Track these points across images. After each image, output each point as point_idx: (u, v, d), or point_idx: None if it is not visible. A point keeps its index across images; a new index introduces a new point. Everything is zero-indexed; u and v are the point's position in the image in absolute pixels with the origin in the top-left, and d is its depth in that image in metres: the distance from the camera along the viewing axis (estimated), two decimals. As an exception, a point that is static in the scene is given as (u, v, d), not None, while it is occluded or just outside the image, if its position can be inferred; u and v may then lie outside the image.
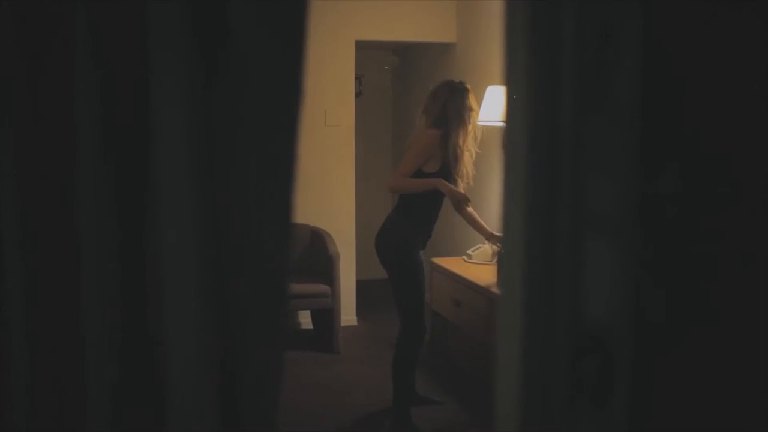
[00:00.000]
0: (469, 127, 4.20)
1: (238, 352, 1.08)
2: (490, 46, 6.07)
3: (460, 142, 4.16)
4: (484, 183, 6.07)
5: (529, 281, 1.03)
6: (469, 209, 4.50)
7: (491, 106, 5.28)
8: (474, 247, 5.75)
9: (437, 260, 5.88)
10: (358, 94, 7.27)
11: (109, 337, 1.07)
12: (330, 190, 6.61)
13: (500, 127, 5.52)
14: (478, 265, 5.51)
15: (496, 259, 5.14)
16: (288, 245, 1.08)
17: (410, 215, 4.23)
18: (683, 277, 1.03)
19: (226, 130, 1.04)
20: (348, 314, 6.69)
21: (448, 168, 4.16)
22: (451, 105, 4.16)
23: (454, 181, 4.21)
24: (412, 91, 8.17)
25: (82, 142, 1.03)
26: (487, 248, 5.62)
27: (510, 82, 1.05)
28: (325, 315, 6.15)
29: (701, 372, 1.05)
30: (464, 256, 5.74)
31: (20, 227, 1.06)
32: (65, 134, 1.05)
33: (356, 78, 6.95)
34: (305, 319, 6.76)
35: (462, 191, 4.26)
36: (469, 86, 4.33)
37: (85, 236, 1.05)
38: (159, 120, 1.01)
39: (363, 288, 7.17)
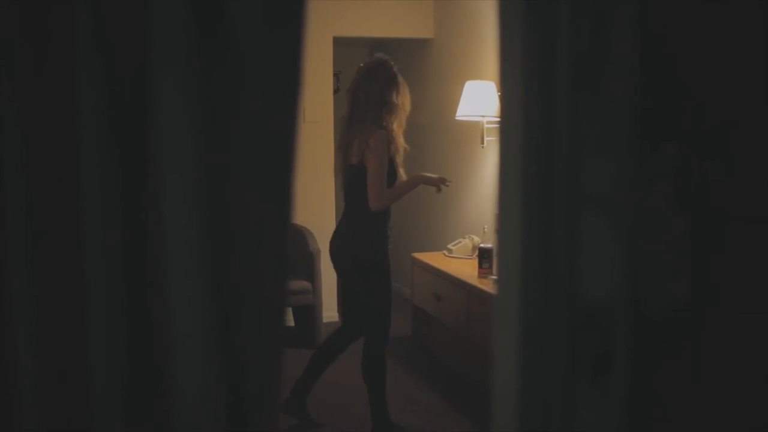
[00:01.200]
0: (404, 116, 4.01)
1: (239, 345, 1.09)
2: (468, 41, 6.09)
3: (401, 134, 4.00)
4: (468, 177, 6.09)
5: (526, 264, 1.04)
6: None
7: (470, 101, 5.31)
8: (454, 242, 5.79)
9: (418, 255, 5.90)
10: (336, 91, 7.26)
11: (113, 335, 1.07)
12: (309, 187, 6.59)
13: (479, 122, 5.54)
14: (458, 259, 5.54)
15: (476, 254, 5.17)
16: (286, 236, 1.09)
17: (374, 215, 3.99)
18: (682, 258, 1.04)
19: (225, 120, 1.04)
20: (330, 310, 6.69)
21: (393, 162, 3.97)
22: (390, 93, 3.95)
23: (399, 174, 4.03)
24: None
25: (84, 135, 1.03)
26: (467, 242, 5.66)
27: (505, 65, 1.05)
28: (307, 312, 6.15)
29: (700, 354, 1.06)
30: (445, 251, 5.77)
31: (26, 220, 1.05)
32: (67, 126, 1.04)
33: (334, 74, 6.94)
34: (287, 316, 6.75)
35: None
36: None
37: (89, 233, 1.05)
38: (159, 113, 1.01)
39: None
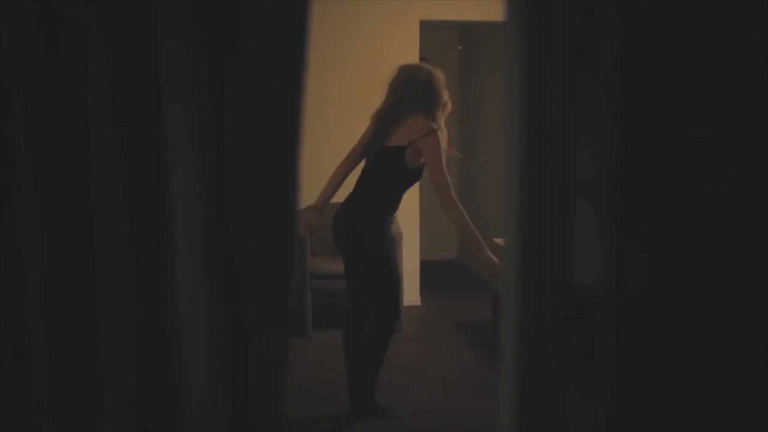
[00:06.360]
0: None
1: (246, 344, 1.13)
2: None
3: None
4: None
5: (523, 249, 1.05)
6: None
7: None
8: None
9: (499, 240, 5.86)
10: (423, 75, 7.25)
11: (123, 336, 1.14)
12: (393, 171, 6.62)
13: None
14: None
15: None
16: (292, 241, 1.12)
17: (393, 204, 4.12)
18: (668, 241, 1.01)
19: (231, 123, 1.09)
20: (412, 294, 6.73)
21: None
22: (442, 91, 4.07)
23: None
24: (479, 71, 8.11)
25: (95, 138, 1.09)
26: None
27: (511, 54, 1.06)
28: (388, 294, 6.20)
29: (686, 338, 1.04)
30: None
31: (39, 222, 1.12)
32: (78, 131, 1.11)
33: (421, 59, 6.92)
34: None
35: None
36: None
37: (99, 237, 1.11)
38: (168, 119, 1.07)
39: (427, 268, 7.19)
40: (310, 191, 6.58)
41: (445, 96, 4.05)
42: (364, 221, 4.07)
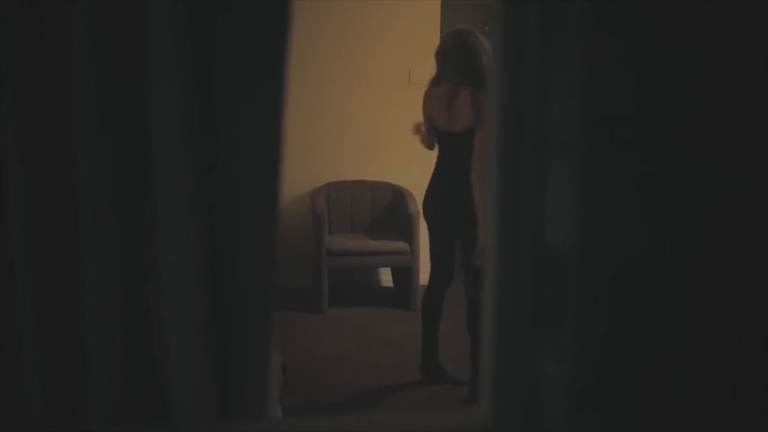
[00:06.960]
0: None
1: (229, 339, 1.17)
2: None
3: None
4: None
5: (500, 210, 1.07)
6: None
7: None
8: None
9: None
10: (445, 54, 7.21)
11: (109, 328, 1.17)
12: (412, 149, 6.61)
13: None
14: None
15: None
16: (275, 237, 1.15)
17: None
18: (644, 204, 1.01)
19: (218, 120, 1.12)
20: (427, 273, 6.73)
21: None
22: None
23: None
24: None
25: (81, 122, 1.11)
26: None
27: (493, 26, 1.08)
28: (404, 273, 6.23)
29: (657, 303, 1.04)
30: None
31: (27, 214, 1.15)
32: (67, 126, 1.13)
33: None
34: (386, 277, 6.85)
35: None
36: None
37: (86, 230, 1.14)
38: (155, 113, 1.10)
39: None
40: (335, 163, 6.60)
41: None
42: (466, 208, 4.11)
